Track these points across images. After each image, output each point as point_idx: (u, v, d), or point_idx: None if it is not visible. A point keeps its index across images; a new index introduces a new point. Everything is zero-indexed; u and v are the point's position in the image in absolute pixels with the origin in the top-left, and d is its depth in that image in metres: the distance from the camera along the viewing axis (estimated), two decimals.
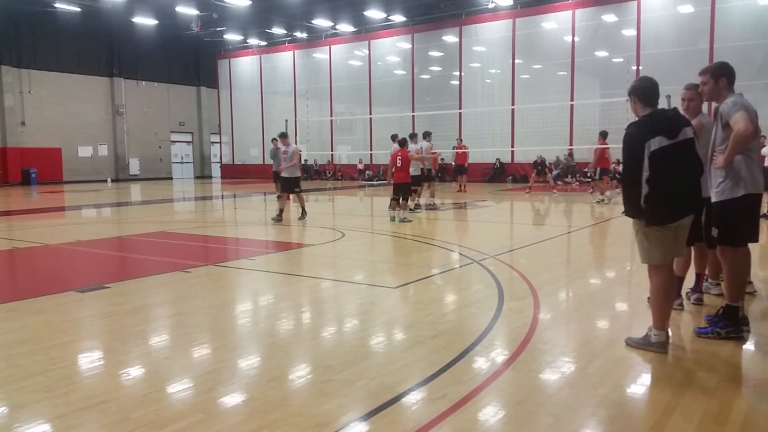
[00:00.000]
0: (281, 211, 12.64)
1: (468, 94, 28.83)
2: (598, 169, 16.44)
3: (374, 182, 29.59)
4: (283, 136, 13.39)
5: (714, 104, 4.64)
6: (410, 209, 13.86)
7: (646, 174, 3.90)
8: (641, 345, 4.24)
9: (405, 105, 30.42)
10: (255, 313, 5.73)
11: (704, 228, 4.77)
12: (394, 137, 13.64)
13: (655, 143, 3.89)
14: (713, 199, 4.55)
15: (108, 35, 33.92)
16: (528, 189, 20.43)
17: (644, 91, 4.13)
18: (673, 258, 4.34)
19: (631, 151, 4.00)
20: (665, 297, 4.18)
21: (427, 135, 15.19)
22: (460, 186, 21.96)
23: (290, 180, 12.87)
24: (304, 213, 12.96)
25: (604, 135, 16.49)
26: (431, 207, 14.75)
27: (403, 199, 12.38)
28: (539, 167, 20.44)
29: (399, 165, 12.24)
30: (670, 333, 4.37)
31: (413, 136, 15.03)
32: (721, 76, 4.48)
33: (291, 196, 13.34)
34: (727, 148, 4.28)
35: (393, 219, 12.23)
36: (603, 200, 15.82)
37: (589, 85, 26.58)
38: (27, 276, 7.81)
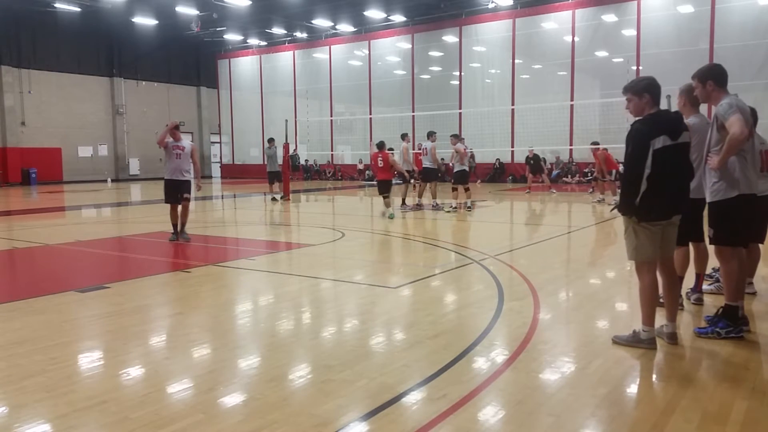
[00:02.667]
0: (176, 226, 9.85)
1: (468, 94, 28.84)
2: (614, 171, 16.58)
3: (374, 182, 29.57)
4: (176, 128, 10.00)
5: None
6: (468, 208, 14.26)
7: (647, 171, 3.98)
8: (630, 342, 4.27)
9: (405, 105, 30.42)
10: (255, 313, 5.73)
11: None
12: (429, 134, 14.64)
13: (659, 142, 3.99)
14: (708, 200, 4.59)
15: (108, 35, 33.89)
16: (528, 189, 20.42)
17: (656, 89, 4.15)
18: (670, 256, 4.37)
19: (636, 147, 4.05)
20: (653, 294, 4.24)
21: (431, 134, 15.23)
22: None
23: (181, 184, 9.77)
24: (181, 232, 9.87)
25: (597, 143, 16.96)
26: (435, 207, 14.75)
27: (385, 197, 13.07)
28: (531, 163, 20.15)
29: (381, 165, 13.19)
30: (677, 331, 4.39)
31: (405, 135, 15.68)
32: (707, 80, 4.50)
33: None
34: (722, 151, 4.30)
35: (384, 215, 12.66)
36: (603, 199, 15.96)
37: (589, 85, 26.59)
38: (27, 276, 7.80)
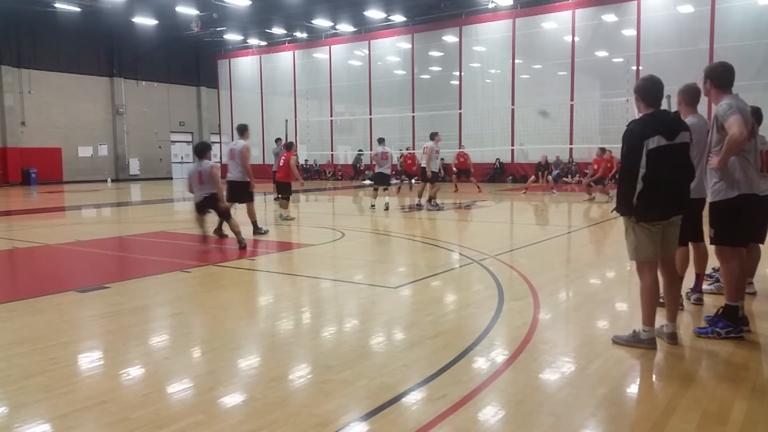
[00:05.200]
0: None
1: (468, 94, 28.83)
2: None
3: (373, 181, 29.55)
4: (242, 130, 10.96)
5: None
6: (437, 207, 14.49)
7: (642, 171, 3.98)
8: (630, 342, 4.27)
9: (405, 105, 30.42)
10: (255, 313, 5.73)
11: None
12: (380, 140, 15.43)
13: (653, 142, 3.98)
14: (708, 200, 4.60)
15: (108, 35, 33.89)
16: (525, 190, 20.50)
17: (646, 91, 4.17)
18: (671, 256, 4.37)
19: (630, 147, 4.07)
20: (654, 294, 4.24)
21: (433, 136, 15.24)
22: (456, 186, 22.09)
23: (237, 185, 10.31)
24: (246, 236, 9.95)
25: (603, 150, 17.39)
26: (435, 207, 14.74)
27: (284, 198, 12.99)
28: (542, 169, 20.38)
29: (281, 165, 13.08)
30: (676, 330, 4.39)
31: (381, 140, 15.68)
32: (707, 78, 4.56)
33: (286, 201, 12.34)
34: (722, 151, 4.31)
35: (281, 217, 12.81)
36: (593, 197, 16.63)
37: (589, 85, 26.58)
38: (27, 276, 7.81)
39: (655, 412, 3.26)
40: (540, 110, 23.84)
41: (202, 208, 9.35)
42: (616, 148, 17.55)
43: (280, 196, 13.08)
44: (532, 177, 20.64)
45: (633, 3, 24.25)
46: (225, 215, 9.42)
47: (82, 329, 5.06)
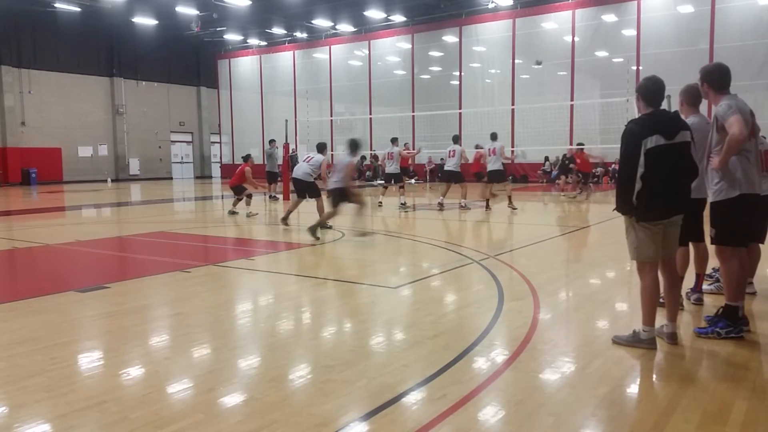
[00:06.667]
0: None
1: (468, 94, 28.84)
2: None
3: (374, 183, 29.56)
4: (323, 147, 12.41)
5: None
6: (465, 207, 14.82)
7: (641, 170, 3.99)
8: (630, 342, 4.27)
9: (405, 105, 30.42)
10: (255, 313, 5.73)
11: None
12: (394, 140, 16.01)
13: (652, 141, 3.99)
14: (710, 200, 4.60)
15: (108, 35, 33.91)
16: (562, 191, 19.94)
17: (647, 91, 4.19)
18: (672, 256, 4.37)
19: (628, 147, 4.08)
20: (654, 294, 4.24)
21: (456, 139, 15.27)
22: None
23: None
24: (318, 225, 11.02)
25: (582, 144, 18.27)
26: (462, 207, 14.69)
27: (247, 197, 14.12)
28: (567, 161, 19.65)
29: (236, 173, 14.20)
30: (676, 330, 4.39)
31: (393, 140, 16.34)
32: (703, 82, 4.61)
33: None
34: (722, 151, 4.32)
35: (233, 213, 14.01)
36: (574, 196, 17.51)
37: (589, 85, 26.59)
38: (27, 276, 7.80)
39: (655, 412, 3.26)
40: (536, 61, 23.83)
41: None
42: (615, 149, 17.71)
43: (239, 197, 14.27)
44: (564, 179, 20.03)
45: (633, 3, 24.27)
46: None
47: (82, 329, 5.06)
